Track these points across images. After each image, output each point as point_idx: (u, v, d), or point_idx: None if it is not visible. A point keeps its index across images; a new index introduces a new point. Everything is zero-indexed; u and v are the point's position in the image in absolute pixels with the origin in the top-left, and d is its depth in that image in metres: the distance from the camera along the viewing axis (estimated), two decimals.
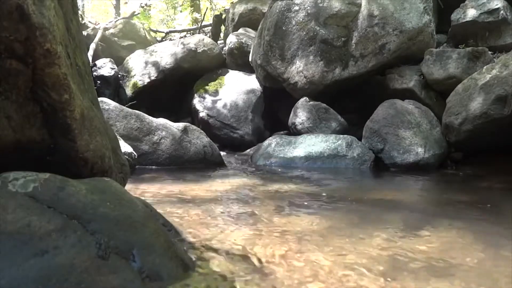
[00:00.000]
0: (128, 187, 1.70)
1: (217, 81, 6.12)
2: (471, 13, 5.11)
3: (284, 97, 5.44)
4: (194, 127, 4.19)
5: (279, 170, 3.90)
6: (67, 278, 0.91)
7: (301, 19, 5.12)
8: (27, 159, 1.16)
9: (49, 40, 1.04)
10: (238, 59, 6.48)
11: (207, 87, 6.05)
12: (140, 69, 6.46)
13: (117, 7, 14.26)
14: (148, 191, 2.60)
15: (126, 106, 4.31)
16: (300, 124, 4.79)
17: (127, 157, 2.92)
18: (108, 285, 0.93)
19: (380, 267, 1.36)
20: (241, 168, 4.07)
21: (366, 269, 1.33)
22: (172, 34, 9.91)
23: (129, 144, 3.51)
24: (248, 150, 5.10)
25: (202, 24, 9.50)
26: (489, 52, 4.54)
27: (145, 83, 6.35)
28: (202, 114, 5.77)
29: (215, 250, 1.42)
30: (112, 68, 6.42)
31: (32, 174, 1.07)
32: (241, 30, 7.00)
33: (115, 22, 8.40)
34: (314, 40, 5.03)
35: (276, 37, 5.24)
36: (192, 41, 6.51)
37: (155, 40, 8.85)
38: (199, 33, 8.63)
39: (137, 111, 3.95)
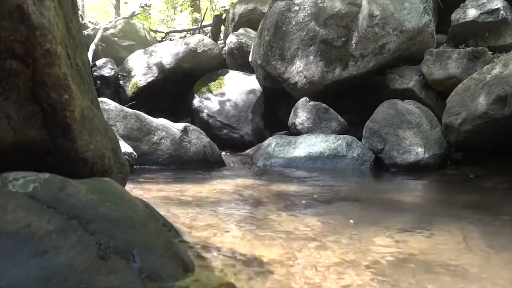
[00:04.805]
0: (128, 187, 1.70)
1: (217, 81, 6.12)
2: (471, 13, 5.11)
3: (284, 97, 5.44)
4: (194, 127, 4.20)
5: (279, 170, 3.90)
6: (67, 278, 0.91)
7: (301, 19, 5.12)
8: (27, 159, 1.16)
9: (49, 40, 1.04)
10: (238, 59, 6.47)
11: (207, 87, 6.05)
12: (140, 69, 6.46)
13: (117, 7, 14.26)
14: (148, 191, 2.59)
15: (126, 106, 4.31)
16: (300, 124, 4.79)
17: (127, 157, 2.92)
18: (108, 285, 0.93)
19: (380, 268, 1.36)
20: (241, 169, 4.07)
21: (366, 270, 1.33)
22: (172, 34, 9.91)
23: (129, 144, 3.51)
24: (248, 150, 5.10)
25: (202, 24, 9.50)
26: (489, 52, 4.54)
27: (145, 83, 6.35)
28: (202, 114, 5.77)
29: (215, 251, 1.42)
30: (112, 68, 6.42)
31: (32, 174, 1.07)
32: (241, 30, 7.00)
33: (115, 22, 8.40)
34: (314, 40, 5.03)
35: (276, 37, 5.24)
36: (192, 41, 6.51)
37: (155, 40, 8.85)
38: (199, 33, 8.62)
39: (137, 111, 3.95)
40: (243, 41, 6.48)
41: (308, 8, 5.10)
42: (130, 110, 3.92)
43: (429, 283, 1.25)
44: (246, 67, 6.23)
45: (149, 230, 1.14)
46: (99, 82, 6.13)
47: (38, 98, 1.10)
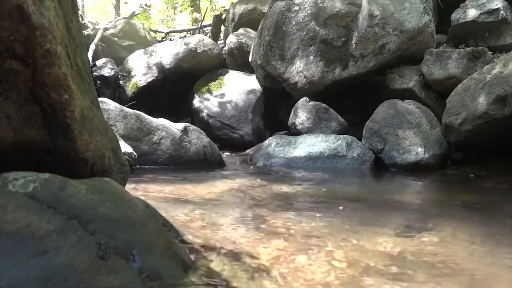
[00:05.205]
0: (128, 187, 1.70)
1: (217, 81, 6.12)
2: (471, 13, 5.11)
3: (284, 97, 5.43)
4: (194, 127, 4.19)
5: (279, 170, 3.90)
6: (67, 278, 0.91)
7: (301, 19, 5.12)
8: (27, 159, 1.16)
9: (49, 40, 1.04)
10: (238, 59, 6.47)
11: (207, 87, 6.05)
12: (140, 69, 6.46)
13: (117, 7, 14.26)
14: (148, 191, 2.60)
15: (126, 106, 4.31)
16: (300, 124, 4.79)
17: (127, 157, 2.92)
18: (108, 285, 0.93)
19: (380, 267, 1.36)
20: (241, 169, 4.07)
21: (366, 269, 1.33)
22: (172, 34, 9.91)
23: (129, 144, 3.51)
24: (248, 150, 5.10)
25: (202, 24, 9.50)
26: (489, 52, 4.54)
27: (145, 83, 6.35)
28: (202, 114, 5.77)
29: (215, 250, 1.42)
30: (112, 68, 6.42)
31: (32, 174, 1.07)
32: (241, 30, 7.00)
33: (115, 22, 8.40)
34: (314, 40, 5.03)
35: (276, 37, 5.24)
36: (192, 41, 6.51)
37: (155, 40, 8.85)
38: (199, 33, 8.62)
39: (137, 111, 3.95)
40: (243, 41, 6.48)
41: (308, 8, 5.10)
42: (130, 110, 3.92)
43: (430, 282, 1.25)
44: (246, 67, 6.22)
45: (149, 230, 1.14)
46: (99, 82, 6.13)
47: (38, 98, 1.10)
